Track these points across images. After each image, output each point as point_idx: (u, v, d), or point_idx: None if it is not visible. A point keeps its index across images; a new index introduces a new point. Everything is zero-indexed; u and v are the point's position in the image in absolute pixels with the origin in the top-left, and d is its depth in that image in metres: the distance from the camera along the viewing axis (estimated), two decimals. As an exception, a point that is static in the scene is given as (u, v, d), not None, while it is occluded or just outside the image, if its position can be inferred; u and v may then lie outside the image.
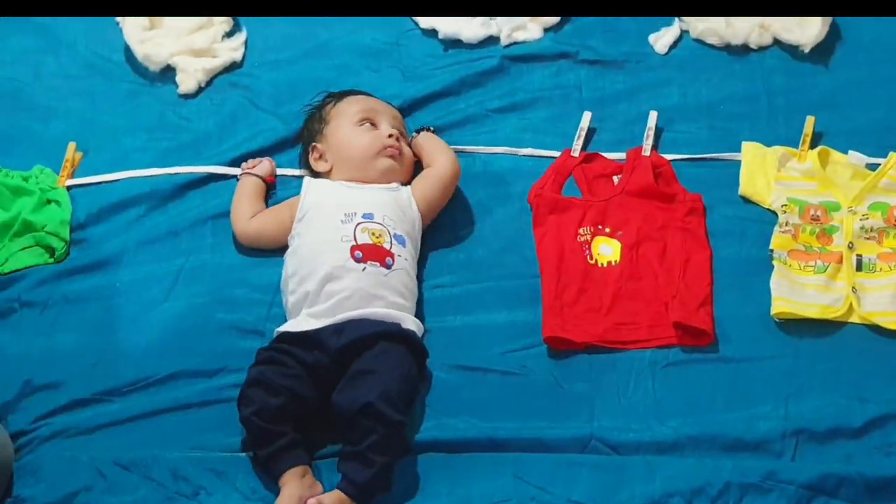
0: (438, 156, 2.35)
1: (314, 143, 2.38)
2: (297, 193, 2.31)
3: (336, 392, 1.99)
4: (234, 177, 2.42)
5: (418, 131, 2.42)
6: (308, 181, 2.34)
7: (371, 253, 2.15)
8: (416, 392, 2.06)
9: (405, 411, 1.99)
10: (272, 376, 2.00)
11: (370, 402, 1.93)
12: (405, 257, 2.19)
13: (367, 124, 2.35)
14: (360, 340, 2.03)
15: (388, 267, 2.15)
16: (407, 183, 2.34)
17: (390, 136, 2.34)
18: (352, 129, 2.35)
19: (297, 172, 2.43)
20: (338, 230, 2.18)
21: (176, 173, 2.47)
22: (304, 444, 1.99)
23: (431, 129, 2.43)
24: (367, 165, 2.31)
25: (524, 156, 2.45)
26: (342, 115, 2.37)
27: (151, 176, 2.47)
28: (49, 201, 2.42)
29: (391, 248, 2.17)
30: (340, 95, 2.44)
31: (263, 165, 2.42)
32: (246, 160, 2.46)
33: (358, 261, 2.14)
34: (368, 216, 2.21)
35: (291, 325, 2.11)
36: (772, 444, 1.98)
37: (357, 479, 1.91)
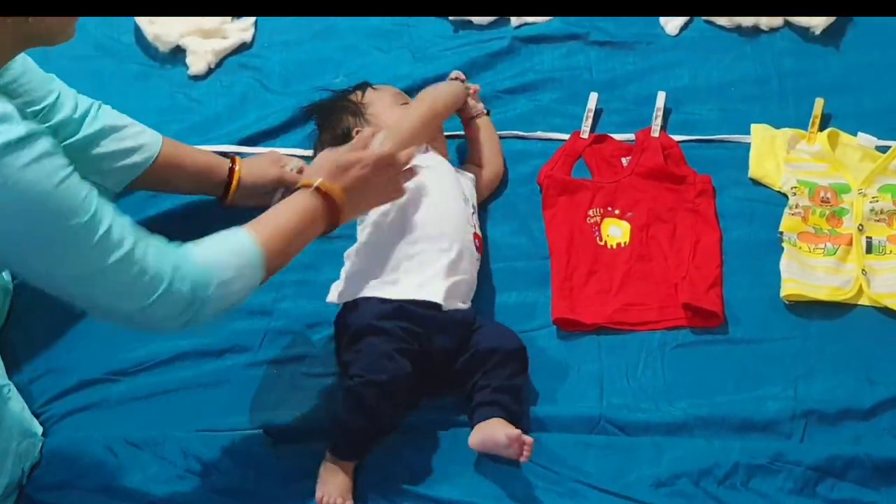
0: (494, 157, 2.34)
1: (357, 129, 2.25)
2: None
3: (471, 344, 1.99)
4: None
5: (476, 116, 2.38)
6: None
7: (480, 245, 2.16)
8: None
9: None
10: (399, 348, 1.94)
11: (523, 346, 1.98)
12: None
13: (404, 103, 2.33)
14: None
15: (479, 257, 2.16)
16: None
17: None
18: (396, 109, 2.29)
19: (308, 153, 2.41)
20: (464, 210, 2.15)
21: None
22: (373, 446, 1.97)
23: (489, 112, 2.40)
24: (433, 136, 2.27)
25: (533, 139, 2.44)
26: (380, 100, 2.31)
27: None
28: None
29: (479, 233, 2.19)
30: (361, 86, 2.37)
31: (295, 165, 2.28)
32: (255, 141, 2.45)
33: (476, 249, 2.14)
34: (475, 207, 2.20)
35: (428, 292, 2.02)
36: (781, 425, 1.99)
37: (512, 407, 1.92)
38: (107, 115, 2.12)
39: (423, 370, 1.97)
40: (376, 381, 1.89)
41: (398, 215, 2.10)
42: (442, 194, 2.14)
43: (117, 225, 1.60)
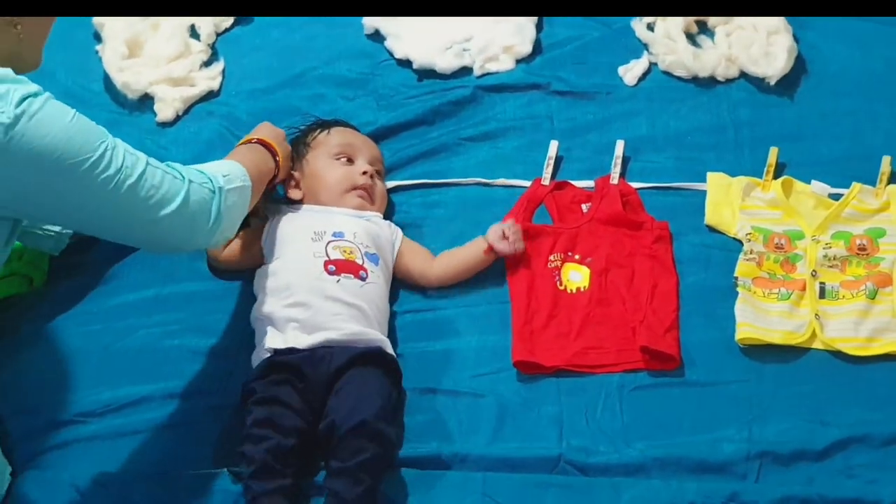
0: (449, 273, 2.31)
1: (292, 171, 2.39)
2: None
3: (327, 409, 2.01)
4: None
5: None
6: (272, 206, 2.36)
7: (344, 266, 2.18)
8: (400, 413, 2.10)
9: (397, 431, 2.03)
10: (282, 416, 2.00)
11: (366, 419, 1.95)
12: (378, 274, 2.22)
13: (344, 159, 2.38)
14: (349, 361, 2.05)
15: (363, 279, 2.18)
16: (381, 213, 2.37)
17: (364, 173, 2.36)
18: (328, 161, 2.37)
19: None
20: (309, 247, 2.21)
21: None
22: (297, 493, 1.98)
23: (507, 252, 2.29)
24: (337, 200, 2.33)
25: (496, 186, 2.48)
26: (322, 145, 2.40)
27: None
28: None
29: (363, 263, 2.21)
30: (327, 125, 2.45)
31: None
32: None
33: (332, 273, 2.16)
34: (338, 234, 2.24)
35: (279, 341, 2.11)
36: (736, 465, 2.01)
37: (346, 496, 1.92)
38: None
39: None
40: (267, 447, 1.96)
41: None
42: (289, 252, 2.24)
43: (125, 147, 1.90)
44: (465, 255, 2.31)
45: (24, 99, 1.73)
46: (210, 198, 1.97)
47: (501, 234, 2.28)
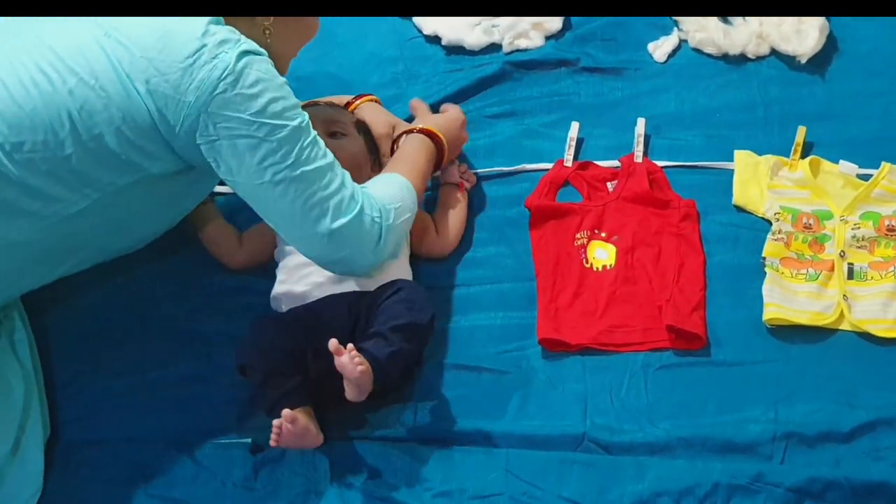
0: (449, 232, 2.33)
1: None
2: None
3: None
4: None
5: (448, 184, 2.39)
6: None
7: None
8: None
9: (430, 321, 2.04)
10: (276, 327, 2.03)
11: (402, 288, 2.02)
12: None
13: None
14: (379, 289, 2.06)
15: None
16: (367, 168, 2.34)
17: None
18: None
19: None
20: None
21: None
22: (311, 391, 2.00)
23: (467, 188, 2.39)
24: None
25: (519, 172, 2.47)
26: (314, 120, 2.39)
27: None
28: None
29: None
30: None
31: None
32: None
33: None
34: None
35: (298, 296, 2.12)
36: (761, 446, 2.00)
37: (377, 353, 1.93)
38: None
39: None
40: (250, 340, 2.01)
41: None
42: None
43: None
44: (455, 211, 2.34)
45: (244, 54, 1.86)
46: (375, 237, 2.00)
47: (457, 172, 2.38)
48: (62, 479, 2.05)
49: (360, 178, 2.27)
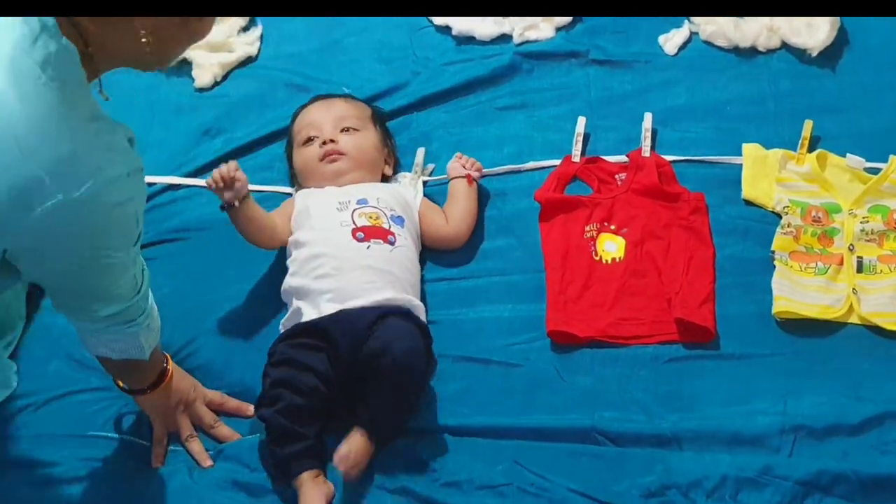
0: (459, 222, 2.34)
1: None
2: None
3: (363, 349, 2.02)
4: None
5: (454, 177, 2.39)
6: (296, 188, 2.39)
7: (372, 232, 2.19)
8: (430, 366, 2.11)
9: (426, 369, 2.06)
10: (298, 377, 2.02)
11: (397, 350, 1.97)
12: (405, 237, 2.22)
13: (309, 141, 2.36)
14: (381, 315, 2.05)
15: (392, 244, 2.18)
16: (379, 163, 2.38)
17: (323, 143, 2.33)
18: (298, 150, 2.38)
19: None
20: (335, 217, 2.21)
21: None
22: (322, 450, 2.01)
23: (474, 177, 2.38)
24: (320, 180, 2.33)
25: (526, 170, 2.46)
26: (294, 138, 2.41)
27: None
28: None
29: (390, 227, 2.21)
30: (296, 114, 2.46)
31: (239, 188, 2.20)
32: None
33: (361, 241, 2.17)
34: (363, 202, 2.25)
35: (314, 314, 2.10)
36: (769, 439, 2.00)
37: (376, 415, 1.96)
38: None
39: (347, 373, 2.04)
40: (278, 409, 1.99)
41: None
42: (316, 224, 2.24)
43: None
44: (464, 201, 2.34)
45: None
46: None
47: (461, 164, 2.37)
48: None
49: (375, 171, 2.31)
